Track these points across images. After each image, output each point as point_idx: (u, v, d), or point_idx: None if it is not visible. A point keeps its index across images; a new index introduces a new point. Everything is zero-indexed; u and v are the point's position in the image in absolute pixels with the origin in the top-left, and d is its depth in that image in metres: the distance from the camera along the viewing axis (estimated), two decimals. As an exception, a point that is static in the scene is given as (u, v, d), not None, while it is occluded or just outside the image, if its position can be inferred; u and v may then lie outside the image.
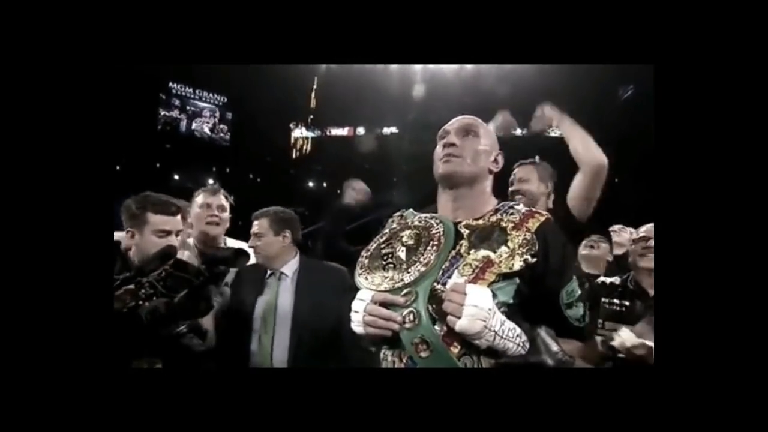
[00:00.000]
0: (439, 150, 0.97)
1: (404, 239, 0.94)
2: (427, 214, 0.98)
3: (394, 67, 10.86)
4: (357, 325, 0.86)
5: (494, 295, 0.82)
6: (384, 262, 0.92)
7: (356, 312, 0.87)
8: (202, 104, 13.08)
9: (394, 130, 13.80)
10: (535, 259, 0.84)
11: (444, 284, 0.84)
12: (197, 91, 12.79)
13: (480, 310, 0.78)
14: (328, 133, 14.24)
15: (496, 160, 0.99)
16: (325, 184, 13.91)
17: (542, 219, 0.89)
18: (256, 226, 1.75)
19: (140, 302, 1.08)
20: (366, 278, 0.91)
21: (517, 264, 0.84)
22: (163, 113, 12.49)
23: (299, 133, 14.00)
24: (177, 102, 12.75)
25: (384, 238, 0.97)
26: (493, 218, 0.91)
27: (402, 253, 0.92)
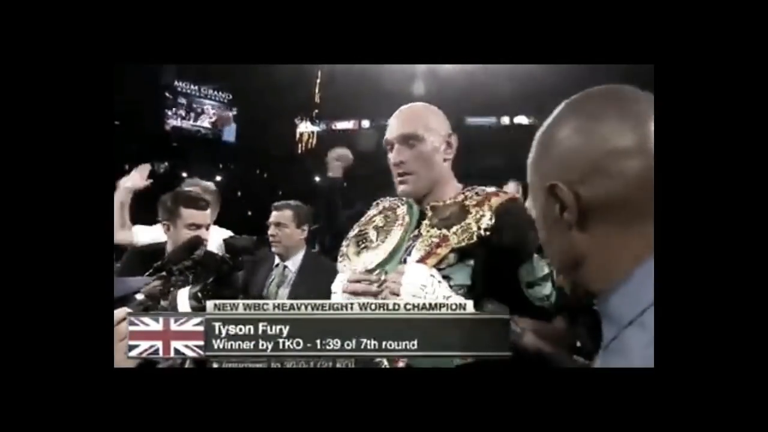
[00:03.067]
0: (391, 166, 0.95)
1: (375, 222, 0.98)
2: (395, 197, 1.00)
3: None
4: (337, 297, 0.90)
5: (449, 278, 0.83)
6: (359, 248, 0.96)
7: (335, 293, 0.90)
8: (207, 101, 13.13)
9: (399, 123, 13.77)
10: (488, 233, 0.84)
11: (404, 262, 0.87)
12: (202, 89, 12.84)
13: (413, 286, 0.79)
14: (333, 128, 14.22)
15: (449, 145, 0.96)
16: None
17: (506, 197, 0.90)
18: (277, 216, 1.82)
19: (172, 288, 1.17)
20: (345, 265, 0.95)
21: (470, 238, 0.84)
22: (169, 113, 12.58)
23: (304, 127, 14.01)
24: (183, 100, 12.82)
25: (360, 227, 1.01)
26: (459, 198, 0.93)
27: (373, 235, 0.95)
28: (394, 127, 0.96)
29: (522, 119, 13.78)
